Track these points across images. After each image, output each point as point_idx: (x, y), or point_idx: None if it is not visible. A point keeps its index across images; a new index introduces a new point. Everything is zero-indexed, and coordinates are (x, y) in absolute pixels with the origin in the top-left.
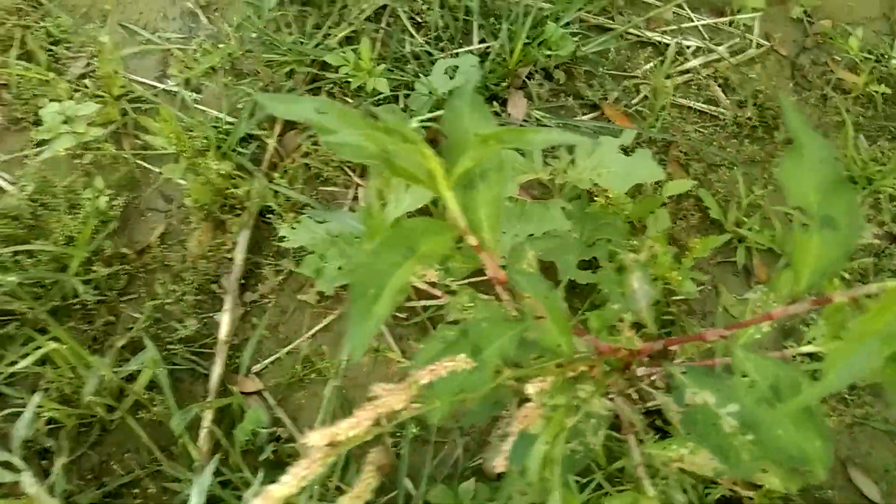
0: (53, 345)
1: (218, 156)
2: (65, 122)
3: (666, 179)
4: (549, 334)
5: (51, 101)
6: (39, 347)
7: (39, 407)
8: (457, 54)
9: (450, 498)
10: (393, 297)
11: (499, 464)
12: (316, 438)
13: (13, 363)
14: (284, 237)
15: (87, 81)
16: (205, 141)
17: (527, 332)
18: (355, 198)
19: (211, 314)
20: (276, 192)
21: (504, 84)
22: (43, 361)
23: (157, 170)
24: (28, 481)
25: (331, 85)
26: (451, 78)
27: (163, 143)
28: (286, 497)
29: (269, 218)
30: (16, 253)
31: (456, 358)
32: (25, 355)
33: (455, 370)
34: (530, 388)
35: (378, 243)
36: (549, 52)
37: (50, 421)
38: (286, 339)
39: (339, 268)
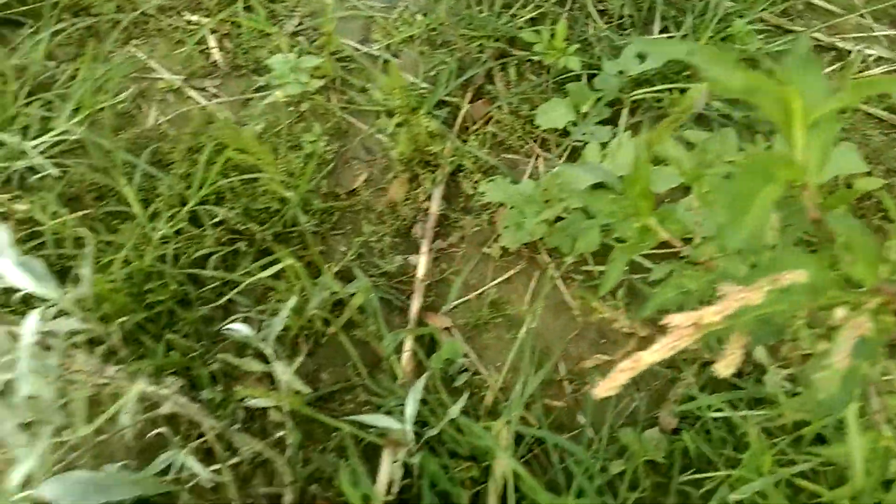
0: (290, 261)
1: (425, 115)
2: (292, 71)
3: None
4: (855, 268)
5: (270, 52)
6: (274, 263)
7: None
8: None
9: (636, 442)
10: (760, 214)
11: (672, 421)
12: (680, 319)
13: (247, 274)
14: (482, 192)
15: (300, 38)
16: (417, 99)
17: (834, 265)
18: (535, 167)
19: (405, 255)
20: (468, 154)
21: (685, 73)
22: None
23: (361, 124)
24: (281, 370)
25: (517, 61)
26: (641, 62)
27: (378, 97)
28: (653, 363)
29: (456, 176)
30: (245, 181)
31: (787, 275)
32: (261, 269)
33: (786, 284)
34: (839, 313)
35: (738, 172)
36: (734, 47)
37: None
38: (472, 285)
39: (539, 222)
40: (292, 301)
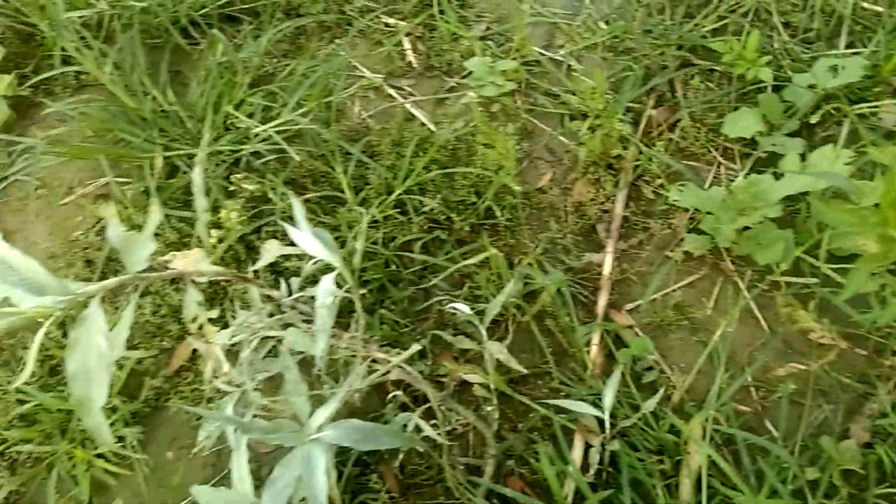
0: (493, 250)
1: (616, 119)
2: (490, 74)
3: None
4: None
5: (461, 55)
6: (475, 253)
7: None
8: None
9: (834, 450)
10: None
11: (864, 435)
12: None
13: (450, 259)
14: (672, 197)
15: (488, 42)
16: (609, 105)
17: None
18: (717, 175)
19: (585, 253)
20: (652, 159)
21: (875, 89)
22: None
23: (545, 126)
24: (496, 348)
25: (699, 70)
26: (834, 76)
27: (569, 100)
28: None
29: (637, 181)
30: (445, 175)
31: None
32: (462, 257)
33: None
34: None
35: None
36: None
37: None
38: (655, 287)
39: (733, 230)
40: (510, 286)
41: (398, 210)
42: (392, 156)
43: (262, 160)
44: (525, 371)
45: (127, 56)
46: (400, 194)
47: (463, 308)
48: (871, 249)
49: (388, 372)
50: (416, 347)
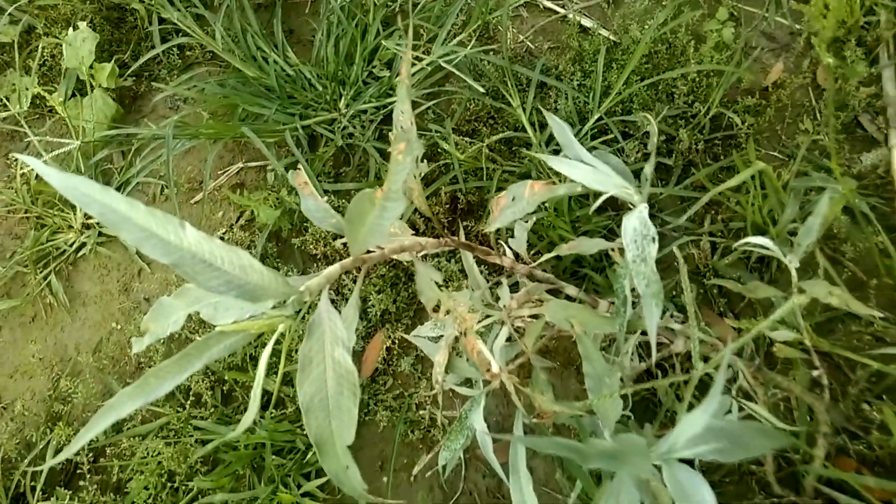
0: (761, 165)
1: None
2: None
3: None
4: None
5: None
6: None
7: None
8: None
9: None
10: None
11: None
12: None
13: (681, 188)
14: None
15: None
16: None
17: None
18: None
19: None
20: None
21: None
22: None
23: (753, 7)
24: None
25: None
26: None
27: None
28: None
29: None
30: (649, 86)
31: None
32: (711, 179)
33: None
34: None
35: None
36: None
37: None
38: None
39: None
40: (825, 200)
41: (601, 139)
42: (577, 75)
43: (419, 109)
44: (874, 312)
45: (235, 21)
46: (598, 119)
47: (763, 241)
48: None
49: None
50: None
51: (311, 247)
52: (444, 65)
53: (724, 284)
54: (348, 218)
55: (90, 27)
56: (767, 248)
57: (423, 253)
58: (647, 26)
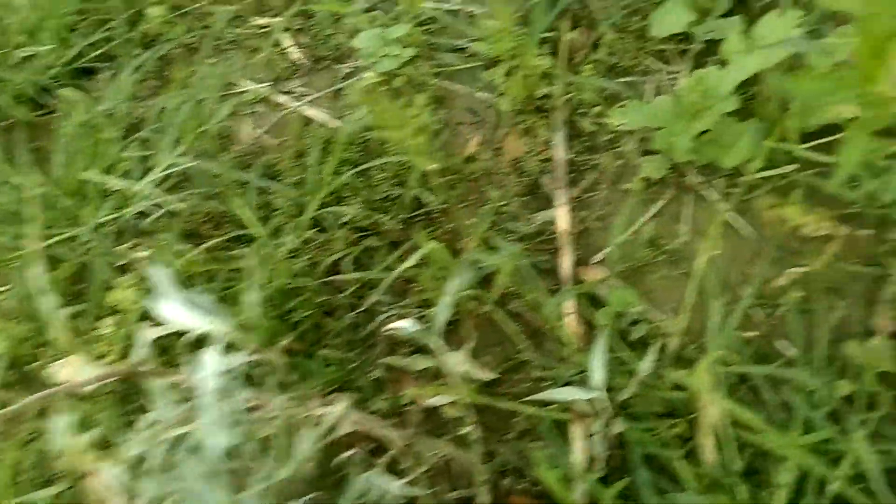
0: (430, 244)
1: (533, 56)
2: (383, 46)
3: None
4: None
5: (349, 36)
6: (410, 253)
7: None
8: None
9: (862, 353)
10: None
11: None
12: None
13: (387, 269)
14: (615, 122)
15: (375, 13)
16: (521, 38)
17: None
18: (658, 84)
19: (538, 212)
20: (583, 87)
21: None
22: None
23: (458, 85)
24: (455, 360)
25: None
26: None
27: (479, 49)
28: None
29: (573, 117)
30: (359, 174)
31: None
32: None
33: None
34: None
35: None
36: None
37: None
38: (621, 227)
39: (691, 139)
40: (454, 283)
41: (317, 229)
42: (297, 169)
43: (151, 218)
44: (493, 376)
45: None
46: (315, 210)
47: (404, 325)
48: (855, 114)
49: (332, 430)
50: (343, 404)
51: None
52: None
53: (392, 362)
54: None
55: None
56: (408, 328)
57: (90, 386)
58: (358, 116)
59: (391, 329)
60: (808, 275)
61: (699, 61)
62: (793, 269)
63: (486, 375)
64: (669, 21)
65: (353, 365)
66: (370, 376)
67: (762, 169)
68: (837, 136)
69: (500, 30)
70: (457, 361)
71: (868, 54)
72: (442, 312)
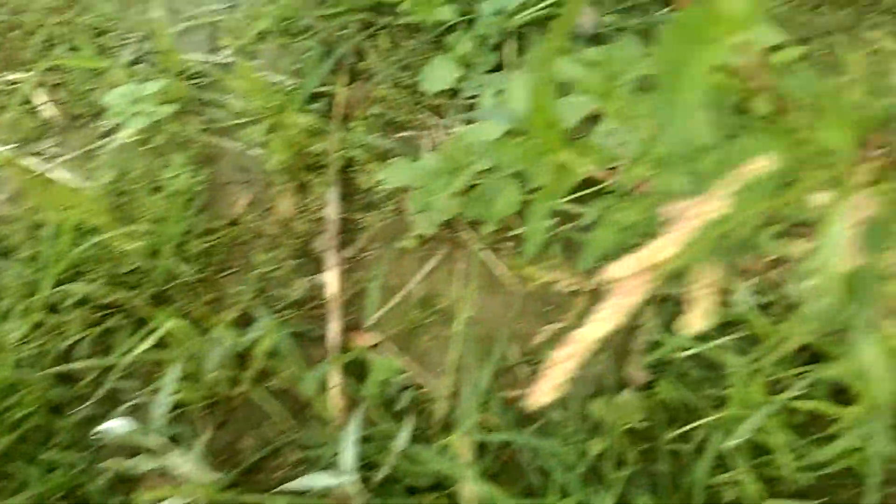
0: (173, 322)
1: (296, 112)
2: (134, 104)
3: None
4: (831, 134)
5: (109, 90)
6: (154, 331)
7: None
8: None
9: (609, 411)
10: (697, 84)
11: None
12: (621, 268)
13: (127, 352)
14: (382, 181)
15: (139, 66)
16: (284, 97)
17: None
18: (434, 138)
19: (312, 276)
20: (356, 143)
21: None
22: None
23: (228, 142)
24: (178, 460)
25: (386, 28)
26: None
27: (240, 107)
28: (601, 337)
29: (349, 173)
30: (102, 245)
31: (751, 165)
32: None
33: (750, 178)
34: (820, 198)
35: (664, 44)
36: None
37: (175, 407)
38: (394, 287)
39: (451, 196)
40: (174, 371)
41: (51, 311)
42: (30, 244)
43: None
44: (218, 475)
45: None
46: (50, 289)
47: (114, 425)
48: (546, 183)
49: None
50: None
51: None
52: None
53: (111, 465)
54: None
55: None
56: (118, 432)
57: None
58: (108, 179)
59: (98, 433)
60: (564, 329)
61: (471, 117)
62: (550, 325)
63: (210, 476)
64: (439, 76)
65: (81, 468)
66: (99, 481)
67: (524, 224)
68: (595, 188)
69: (252, 87)
70: (184, 460)
71: (544, 128)
72: (159, 407)
